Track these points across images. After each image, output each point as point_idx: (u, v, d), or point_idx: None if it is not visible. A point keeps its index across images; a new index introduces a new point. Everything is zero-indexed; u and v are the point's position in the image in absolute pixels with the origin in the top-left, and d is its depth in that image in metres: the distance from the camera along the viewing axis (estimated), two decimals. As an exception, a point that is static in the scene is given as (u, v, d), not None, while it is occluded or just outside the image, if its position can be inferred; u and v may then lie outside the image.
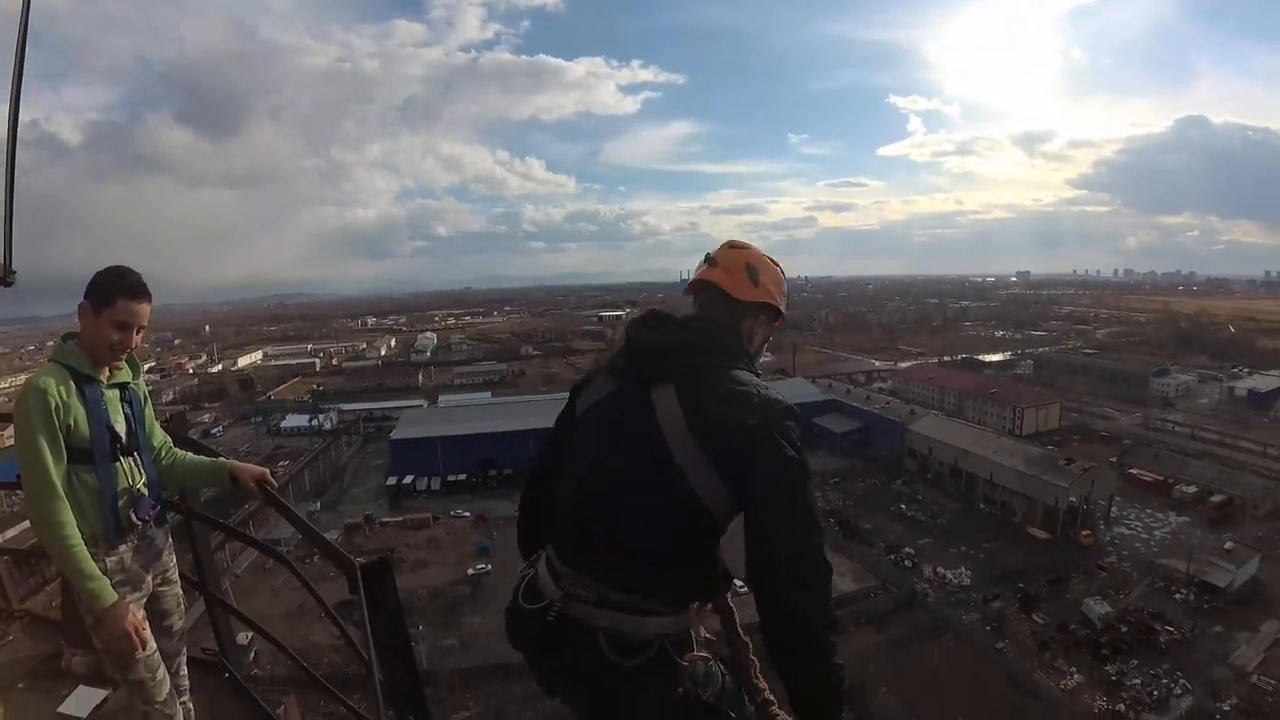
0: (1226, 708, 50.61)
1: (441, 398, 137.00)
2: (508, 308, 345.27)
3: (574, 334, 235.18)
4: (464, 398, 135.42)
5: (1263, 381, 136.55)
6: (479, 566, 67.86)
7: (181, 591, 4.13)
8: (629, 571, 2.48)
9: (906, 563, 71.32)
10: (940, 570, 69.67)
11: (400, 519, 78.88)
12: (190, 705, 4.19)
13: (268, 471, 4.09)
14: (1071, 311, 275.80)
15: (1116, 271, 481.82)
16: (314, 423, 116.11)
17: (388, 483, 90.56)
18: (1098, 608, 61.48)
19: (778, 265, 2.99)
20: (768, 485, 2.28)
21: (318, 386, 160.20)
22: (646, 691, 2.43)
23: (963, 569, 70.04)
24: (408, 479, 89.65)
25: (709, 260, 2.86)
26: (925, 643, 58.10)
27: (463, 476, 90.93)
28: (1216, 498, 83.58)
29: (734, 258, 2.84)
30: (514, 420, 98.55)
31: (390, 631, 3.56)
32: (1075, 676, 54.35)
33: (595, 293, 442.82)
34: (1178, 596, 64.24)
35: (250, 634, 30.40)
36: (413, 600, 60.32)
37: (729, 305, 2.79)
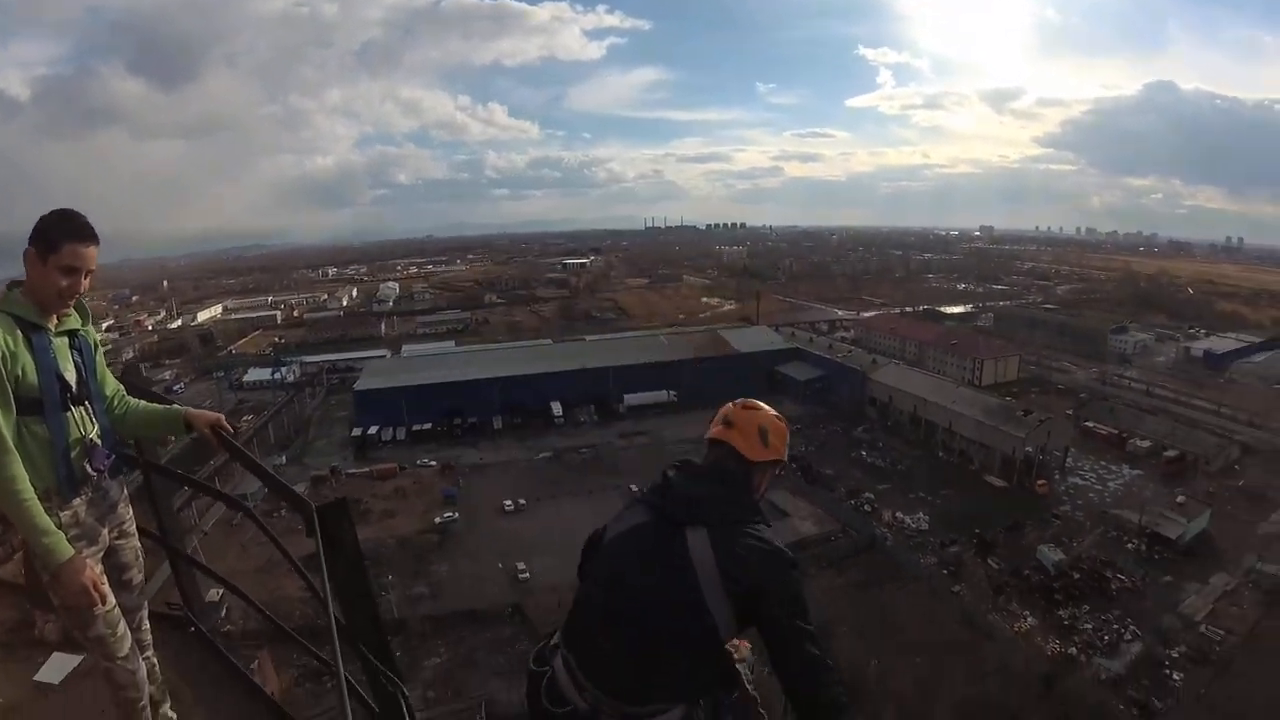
0: (1175, 655, 52.73)
1: (405, 347, 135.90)
2: (470, 256, 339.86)
3: (538, 282, 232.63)
4: (427, 347, 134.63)
5: (1219, 343, 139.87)
6: (446, 515, 68.57)
7: (140, 545, 3.98)
8: (645, 682, 2.98)
9: (866, 508, 72.91)
10: (899, 515, 71.39)
11: (366, 470, 78.83)
12: (155, 660, 4.08)
13: (222, 417, 3.90)
14: (1033, 267, 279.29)
15: (1079, 230, 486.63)
16: (276, 376, 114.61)
17: (353, 434, 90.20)
18: (1052, 554, 63.54)
19: (782, 420, 3.48)
20: (785, 622, 2.88)
21: (279, 339, 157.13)
22: None
23: (921, 514, 71.83)
24: (373, 430, 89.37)
25: (726, 422, 3.42)
26: (884, 585, 59.54)
27: (428, 426, 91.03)
28: (1170, 453, 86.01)
29: (748, 420, 3.39)
30: (478, 369, 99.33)
31: (349, 576, 3.49)
32: (1029, 619, 56.45)
33: (559, 240, 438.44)
34: (1129, 546, 66.51)
35: (221, 590, 30.13)
36: (381, 550, 60.73)
37: (742, 462, 3.34)
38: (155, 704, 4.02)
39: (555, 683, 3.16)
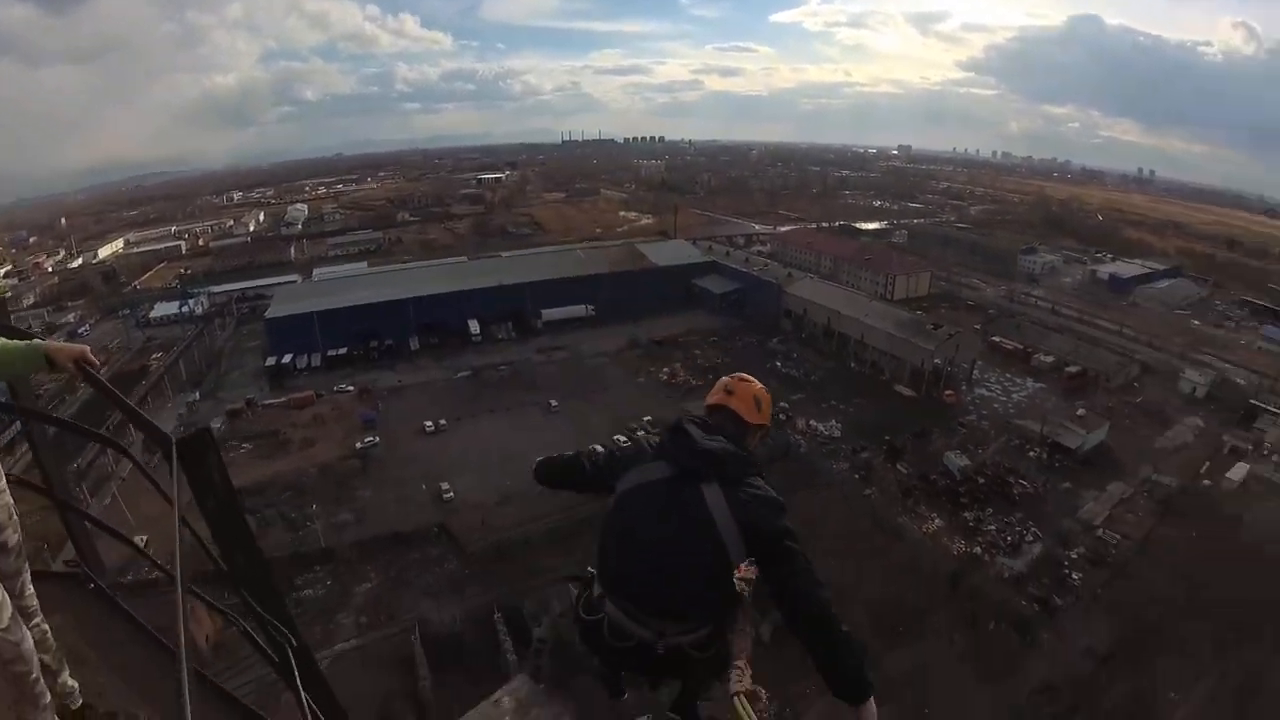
0: (1074, 556, 56.21)
1: (316, 271, 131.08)
2: (381, 173, 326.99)
3: (452, 198, 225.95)
4: (339, 269, 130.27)
5: (1124, 268, 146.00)
6: (367, 440, 67.59)
7: (12, 502, 3.54)
8: (683, 611, 3.75)
9: (781, 416, 73.91)
10: (813, 423, 73.44)
11: (283, 400, 76.87)
12: (46, 628, 3.43)
13: (87, 350, 3.43)
14: (949, 187, 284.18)
15: (995, 153, 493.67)
16: (185, 309, 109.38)
17: (267, 364, 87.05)
18: (958, 460, 66.53)
19: (768, 394, 4.26)
20: (786, 554, 3.54)
21: (185, 270, 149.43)
22: (709, 667, 3.92)
23: (834, 422, 74.01)
24: (287, 358, 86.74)
25: (727, 391, 4.15)
26: (799, 490, 60.57)
27: (343, 351, 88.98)
28: (1072, 369, 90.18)
29: (745, 390, 4.14)
30: (392, 289, 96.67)
31: (222, 515, 3.30)
32: (936, 521, 59.15)
33: (473, 154, 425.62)
34: (1031, 455, 69.89)
35: (145, 538, 26.63)
36: (303, 479, 60.30)
37: (740, 424, 4.03)
38: (52, 673, 3.48)
39: (614, 624, 3.84)
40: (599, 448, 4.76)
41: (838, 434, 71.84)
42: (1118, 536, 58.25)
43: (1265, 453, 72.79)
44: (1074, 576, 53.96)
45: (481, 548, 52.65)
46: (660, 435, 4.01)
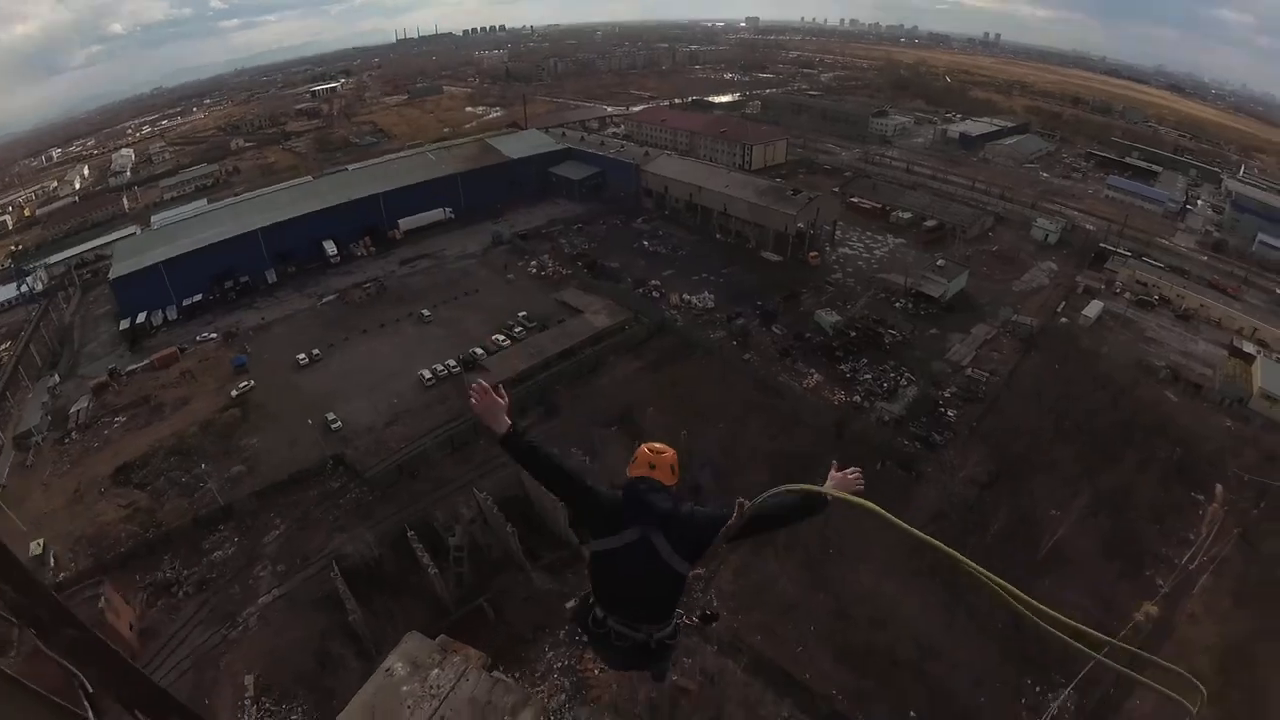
0: (947, 395, 59.90)
1: (154, 218, 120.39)
2: (207, 101, 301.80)
3: (287, 116, 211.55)
4: (179, 212, 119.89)
5: (974, 127, 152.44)
6: (241, 385, 64.37)
7: None
8: (657, 615, 5.57)
9: (654, 293, 75.24)
10: (686, 297, 74.38)
11: (146, 362, 71.32)
12: None
13: None
14: (799, 56, 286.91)
15: (844, 20, 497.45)
16: (23, 289, 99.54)
17: (121, 328, 79.79)
18: (829, 317, 69.06)
19: (676, 455, 5.57)
20: (726, 527, 4.86)
21: (16, 246, 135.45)
22: (674, 647, 5.86)
23: (706, 294, 75.23)
24: (141, 317, 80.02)
25: (650, 465, 5.37)
26: (681, 362, 62.74)
27: (198, 297, 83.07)
28: (929, 223, 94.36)
29: (663, 462, 5.40)
30: (239, 223, 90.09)
31: None
32: (815, 376, 61.61)
33: (303, 66, 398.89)
34: (898, 305, 73.34)
35: (41, 540, 41.82)
36: (185, 441, 57.16)
37: (665, 487, 5.34)
38: None
39: (618, 633, 5.58)
40: (594, 485, 5.55)
41: (711, 304, 73.06)
42: (986, 374, 62.18)
43: (1117, 291, 78.72)
44: (949, 414, 57.54)
45: (380, 471, 51.96)
46: (621, 495, 5.37)
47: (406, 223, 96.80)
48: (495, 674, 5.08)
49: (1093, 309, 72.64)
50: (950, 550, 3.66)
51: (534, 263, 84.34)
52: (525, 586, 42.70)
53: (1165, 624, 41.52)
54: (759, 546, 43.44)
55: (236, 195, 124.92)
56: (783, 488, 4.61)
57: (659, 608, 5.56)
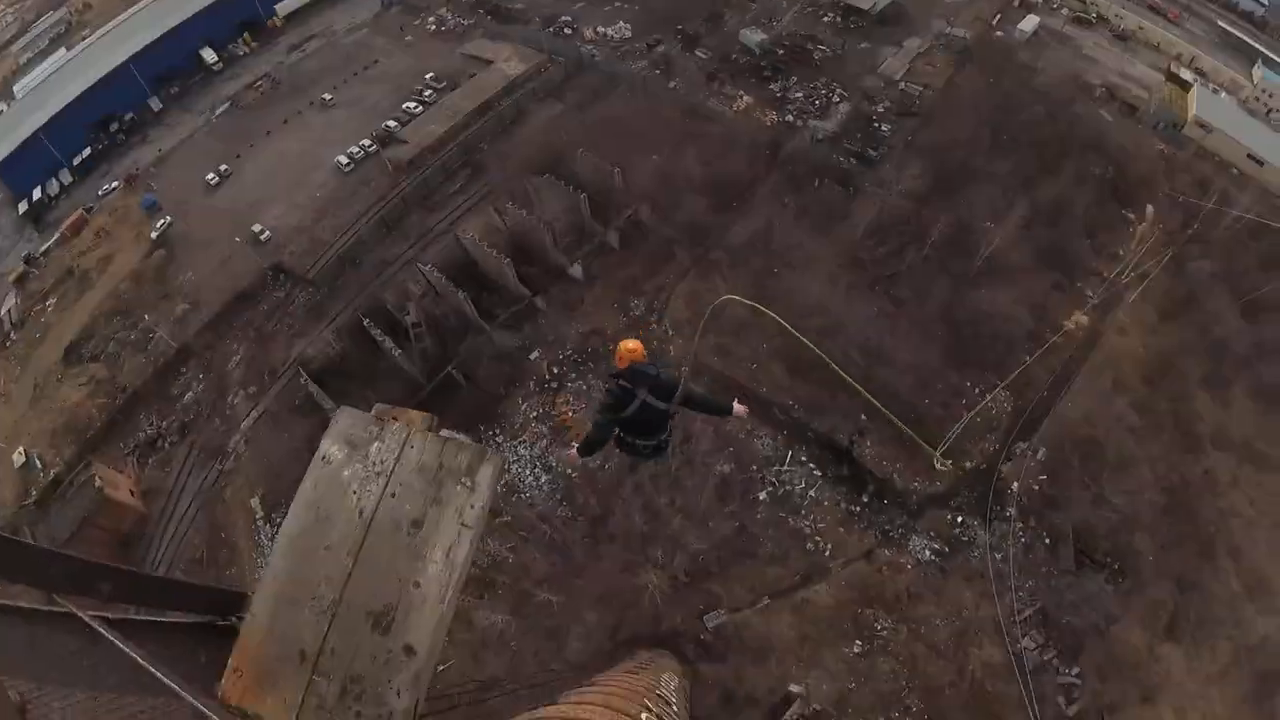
0: (881, 110, 59.51)
1: (16, 87, 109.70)
2: None
3: None
4: (40, 71, 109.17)
5: None
6: (159, 225, 61.77)
7: None
8: (663, 429, 9.33)
9: (566, 30, 71.80)
10: (600, 29, 71.10)
11: (57, 236, 67.91)
12: None
13: None
14: None
15: None
16: None
17: (21, 211, 74.34)
18: (754, 36, 66.53)
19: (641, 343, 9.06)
20: (683, 391, 8.65)
21: None
22: (669, 443, 9.86)
23: (621, 24, 71.76)
24: (36, 193, 74.67)
25: (630, 351, 8.63)
26: (605, 99, 61.15)
27: (87, 151, 77.57)
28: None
29: (639, 350, 8.71)
30: (104, 60, 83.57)
31: None
32: (745, 98, 60.43)
33: None
34: (826, 20, 70.53)
35: (21, 448, 46.84)
36: (123, 299, 56.55)
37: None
38: None
39: (640, 444, 9.23)
40: (600, 418, 9.02)
41: (629, 34, 70.07)
42: (920, 88, 61.43)
43: (1054, 6, 76.37)
44: (884, 129, 57.37)
45: (321, 269, 52.24)
46: (622, 382, 8.55)
47: (283, 6, 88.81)
48: (444, 433, 4.48)
49: (1028, 23, 71.01)
50: (821, 353, 9.51)
51: (431, 19, 78.83)
52: (488, 346, 44.31)
53: (1094, 333, 45.89)
54: (706, 271, 45.12)
55: (93, 29, 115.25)
56: (711, 398, 9.50)
57: (659, 428, 9.12)
